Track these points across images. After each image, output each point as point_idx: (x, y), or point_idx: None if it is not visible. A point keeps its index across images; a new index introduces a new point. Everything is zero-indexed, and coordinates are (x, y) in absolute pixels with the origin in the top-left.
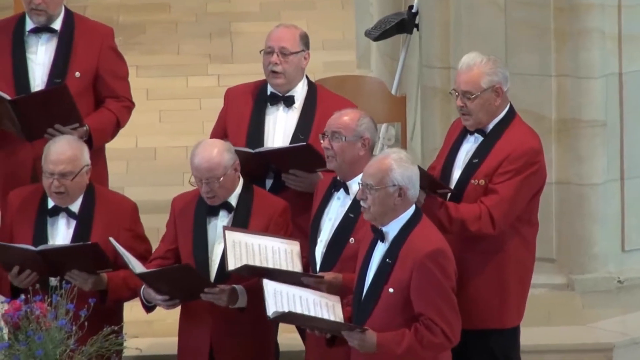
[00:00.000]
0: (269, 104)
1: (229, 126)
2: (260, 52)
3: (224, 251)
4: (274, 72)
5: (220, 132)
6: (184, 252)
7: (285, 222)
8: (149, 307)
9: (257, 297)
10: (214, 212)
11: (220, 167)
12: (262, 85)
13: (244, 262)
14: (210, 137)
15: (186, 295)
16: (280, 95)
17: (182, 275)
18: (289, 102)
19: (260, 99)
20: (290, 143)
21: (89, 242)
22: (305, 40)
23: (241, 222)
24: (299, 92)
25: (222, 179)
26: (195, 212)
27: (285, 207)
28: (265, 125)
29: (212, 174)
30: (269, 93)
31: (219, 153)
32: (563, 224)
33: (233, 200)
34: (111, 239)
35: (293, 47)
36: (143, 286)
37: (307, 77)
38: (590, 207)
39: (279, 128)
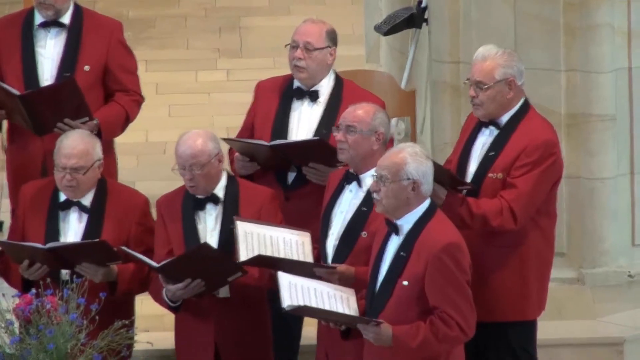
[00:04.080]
0: (294, 98)
1: (257, 120)
2: (285, 46)
3: (219, 238)
4: (297, 66)
5: (249, 125)
6: (177, 249)
7: (275, 209)
8: (175, 307)
9: (259, 292)
10: (200, 205)
11: (204, 154)
12: (290, 79)
13: (256, 253)
14: (240, 130)
15: (212, 282)
16: (306, 89)
17: (203, 257)
18: (313, 96)
19: (286, 93)
20: (313, 137)
21: (97, 240)
22: (331, 36)
23: (231, 213)
24: (325, 87)
25: (205, 167)
26: (182, 208)
27: (273, 194)
28: (290, 119)
29: (196, 160)
30: (294, 87)
31: (204, 141)
32: (573, 219)
33: (219, 192)
34: (124, 247)
35: (318, 42)
36: (164, 290)
37: (334, 71)
38: (600, 202)
39: (303, 122)
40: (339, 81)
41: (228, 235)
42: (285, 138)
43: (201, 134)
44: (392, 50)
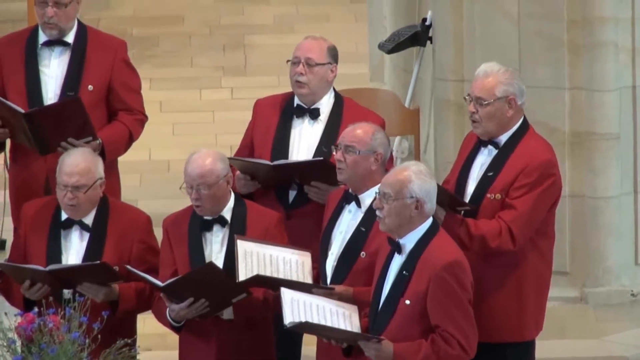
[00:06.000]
0: (295, 116)
1: (256, 138)
2: (287, 62)
3: (225, 259)
4: (298, 82)
5: (248, 142)
6: (182, 269)
7: (281, 233)
8: (178, 328)
9: (263, 314)
10: (207, 226)
11: (213, 175)
12: (289, 97)
13: (255, 273)
14: (239, 148)
15: (216, 303)
16: (306, 107)
17: (208, 277)
18: (314, 114)
19: (286, 111)
20: (314, 156)
21: (98, 262)
22: (333, 53)
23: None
24: (325, 104)
25: (212, 187)
26: (188, 228)
27: (279, 218)
28: (291, 137)
29: (204, 180)
30: (295, 105)
31: (213, 162)
32: (576, 237)
33: (227, 214)
34: (128, 267)
35: (319, 58)
36: (167, 309)
37: (334, 89)
38: (603, 220)
39: (304, 140)
40: (339, 99)
41: (234, 258)
42: (286, 156)
43: (211, 154)
44: (396, 68)
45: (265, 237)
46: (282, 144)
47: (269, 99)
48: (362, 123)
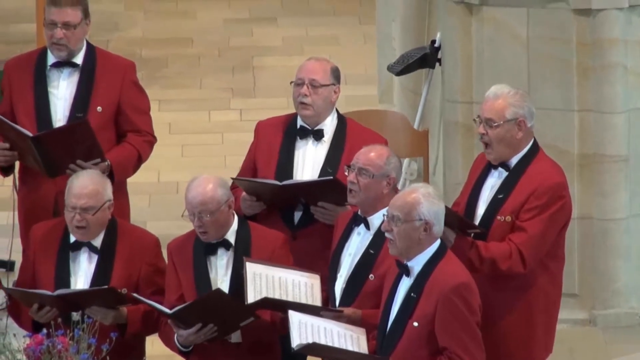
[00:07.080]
0: (298, 137)
1: (259, 159)
2: (290, 83)
3: (231, 283)
4: (302, 103)
5: (251, 164)
6: (188, 294)
7: (286, 254)
8: (187, 352)
9: (271, 336)
10: (212, 250)
11: (214, 201)
12: (292, 118)
13: (264, 295)
14: (241, 170)
15: (224, 327)
16: (310, 128)
17: (215, 303)
18: (318, 135)
19: (290, 132)
20: (319, 176)
21: (105, 287)
22: (336, 74)
23: (242, 258)
24: (329, 125)
25: (215, 214)
26: (193, 252)
27: (284, 239)
28: (295, 158)
29: (205, 207)
30: (298, 126)
31: (213, 188)
32: (585, 259)
33: (230, 237)
34: (135, 295)
35: (323, 79)
36: (175, 335)
37: (337, 110)
38: (613, 242)
39: (308, 161)
40: (342, 120)
41: (239, 281)
42: (291, 177)
43: (211, 180)
44: (405, 90)
45: (271, 259)
46: (286, 165)
47: (271, 121)
48: (377, 146)
